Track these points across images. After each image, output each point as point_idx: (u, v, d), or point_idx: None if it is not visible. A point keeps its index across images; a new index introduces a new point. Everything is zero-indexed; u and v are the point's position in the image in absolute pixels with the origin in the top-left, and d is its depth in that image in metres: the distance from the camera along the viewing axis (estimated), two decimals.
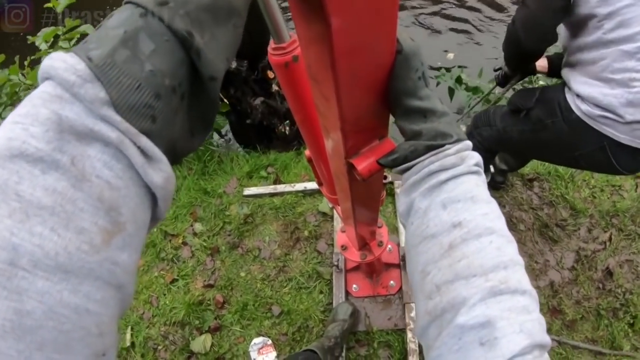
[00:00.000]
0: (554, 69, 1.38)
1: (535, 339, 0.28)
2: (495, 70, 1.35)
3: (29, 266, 0.18)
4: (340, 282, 1.62)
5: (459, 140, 0.36)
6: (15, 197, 0.19)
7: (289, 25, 0.39)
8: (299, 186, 1.86)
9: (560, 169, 1.93)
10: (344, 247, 1.29)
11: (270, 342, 1.58)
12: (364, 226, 0.99)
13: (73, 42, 1.70)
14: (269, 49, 0.46)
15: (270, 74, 1.94)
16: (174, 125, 0.24)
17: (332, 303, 1.61)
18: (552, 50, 1.39)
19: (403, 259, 1.61)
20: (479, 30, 3.27)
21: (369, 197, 0.70)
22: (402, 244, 1.63)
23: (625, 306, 1.66)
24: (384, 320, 1.58)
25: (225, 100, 2.03)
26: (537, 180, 1.93)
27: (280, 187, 1.87)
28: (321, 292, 1.66)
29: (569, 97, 1.11)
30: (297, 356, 1.35)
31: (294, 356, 1.38)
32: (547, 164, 1.96)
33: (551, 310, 1.66)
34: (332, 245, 1.73)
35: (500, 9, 3.37)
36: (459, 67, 2.39)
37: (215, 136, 2.38)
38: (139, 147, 0.22)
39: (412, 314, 1.54)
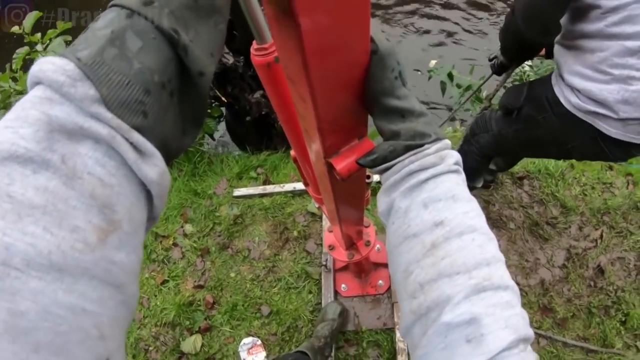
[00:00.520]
0: (552, 51, 1.36)
1: (521, 333, 0.29)
2: (490, 60, 1.31)
3: (22, 266, 0.18)
4: (329, 282, 1.62)
5: (437, 140, 0.36)
6: (7, 198, 0.19)
7: None
8: (288, 187, 1.86)
9: (551, 167, 1.93)
10: (331, 247, 1.29)
11: (259, 342, 1.58)
12: (349, 226, 0.99)
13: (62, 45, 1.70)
14: (252, 50, 0.46)
15: None
16: (165, 121, 0.24)
17: (321, 303, 1.61)
18: None
19: None
20: (466, 30, 3.30)
21: (353, 197, 0.70)
22: None
23: (616, 304, 1.65)
24: (373, 319, 1.59)
25: (224, 99, 2.03)
26: (527, 179, 1.92)
27: (270, 188, 1.87)
28: (310, 292, 1.66)
29: (557, 90, 1.08)
30: (287, 357, 1.35)
31: (284, 357, 1.39)
32: (537, 162, 1.96)
33: (542, 308, 1.66)
34: (321, 245, 1.74)
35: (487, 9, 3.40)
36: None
37: (209, 140, 2.39)
38: (131, 143, 0.22)
39: None
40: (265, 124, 2.12)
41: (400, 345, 1.49)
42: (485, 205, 1.86)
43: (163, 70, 0.23)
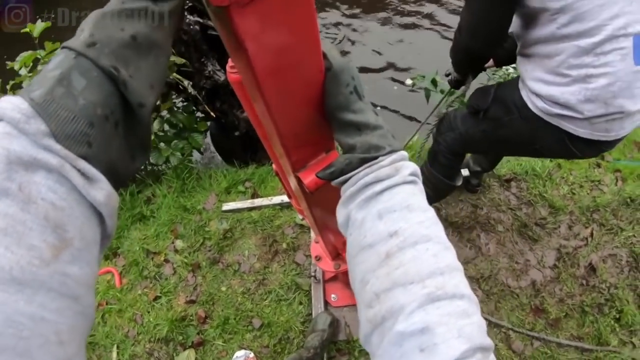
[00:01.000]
0: (500, 59, 1.37)
1: (475, 342, 0.29)
2: (447, 75, 1.35)
3: None
4: (318, 293, 1.63)
5: (392, 152, 0.37)
6: None
7: None
8: (276, 199, 1.88)
9: (538, 167, 1.93)
10: (317, 258, 1.30)
11: (252, 355, 1.59)
12: (333, 236, 1.00)
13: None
14: (227, 67, 0.47)
15: None
16: (111, 148, 0.27)
17: (311, 314, 1.62)
18: None
19: None
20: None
21: (330, 209, 0.72)
22: None
23: (610, 301, 1.64)
24: None
25: (212, 114, 2.06)
26: (515, 180, 1.92)
27: (258, 201, 1.89)
28: (301, 303, 1.66)
29: (524, 94, 1.09)
30: None
31: None
32: (524, 163, 1.96)
33: (534, 309, 1.65)
34: (310, 256, 1.75)
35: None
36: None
37: (196, 154, 2.41)
38: (78, 170, 0.25)
39: None
40: (252, 139, 2.15)
41: None
42: (473, 209, 1.86)
43: (105, 104, 0.26)
